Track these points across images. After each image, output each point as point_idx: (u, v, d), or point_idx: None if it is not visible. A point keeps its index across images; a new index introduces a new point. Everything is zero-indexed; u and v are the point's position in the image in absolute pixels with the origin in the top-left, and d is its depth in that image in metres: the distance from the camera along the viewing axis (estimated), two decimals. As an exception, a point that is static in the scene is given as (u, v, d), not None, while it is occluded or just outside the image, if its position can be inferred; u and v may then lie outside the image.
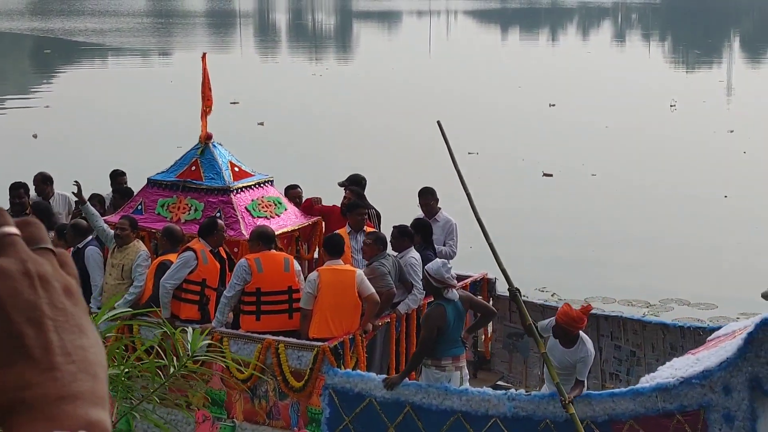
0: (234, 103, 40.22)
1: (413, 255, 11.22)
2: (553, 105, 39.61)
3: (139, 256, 11.57)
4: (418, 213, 12.76)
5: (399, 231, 11.49)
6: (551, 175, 27.01)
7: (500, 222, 22.58)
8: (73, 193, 12.56)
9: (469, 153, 29.66)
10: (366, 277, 10.71)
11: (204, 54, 13.46)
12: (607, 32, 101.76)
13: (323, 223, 12.64)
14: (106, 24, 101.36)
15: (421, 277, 10.87)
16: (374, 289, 10.66)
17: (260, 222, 11.61)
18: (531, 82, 48.82)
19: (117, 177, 13.88)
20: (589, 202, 24.98)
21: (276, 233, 11.43)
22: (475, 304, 10.56)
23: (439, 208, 12.76)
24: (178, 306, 11.13)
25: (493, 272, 12.85)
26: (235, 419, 10.89)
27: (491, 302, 11.94)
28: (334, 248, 10.81)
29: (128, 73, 57.22)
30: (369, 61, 64.78)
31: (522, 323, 9.74)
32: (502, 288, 12.56)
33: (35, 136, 31.53)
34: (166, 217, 11.88)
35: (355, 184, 12.95)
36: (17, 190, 13.49)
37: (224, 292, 10.85)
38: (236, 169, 12.21)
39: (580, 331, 9.83)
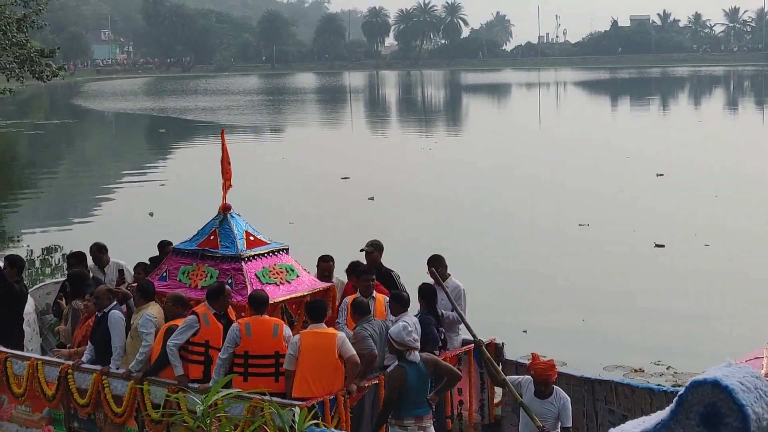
0: (345, 178, 40.65)
1: (407, 320, 11.34)
2: (661, 175, 39.27)
3: (142, 318, 12.10)
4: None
5: (393, 297, 11.94)
6: (663, 246, 26.70)
7: (618, 294, 22.40)
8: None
9: (579, 225, 29.54)
10: (347, 340, 11.18)
11: (222, 130, 14.08)
12: (719, 100, 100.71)
13: (335, 289, 13.07)
14: (218, 102, 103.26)
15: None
16: (355, 352, 11.10)
17: (269, 288, 12.07)
18: (639, 151, 48.52)
19: (164, 247, 14.32)
20: (702, 271, 24.58)
21: (285, 298, 12.13)
22: (440, 367, 10.74)
23: (449, 275, 13.07)
24: (186, 367, 11.60)
25: (502, 337, 13.13)
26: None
27: (501, 366, 11.85)
28: (316, 313, 11.27)
29: (240, 150, 58.18)
30: (478, 134, 64.96)
31: (489, 376, 10.20)
32: (511, 353, 13.03)
33: (151, 214, 32.13)
34: (186, 284, 12.45)
35: (375, 248, 13.52)
36: (70, 259, 14.70)
37: (219, 354, 11.32)
38: (251, 238, 12.68)
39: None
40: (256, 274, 12.25)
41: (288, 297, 12.23)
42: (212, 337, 11.58)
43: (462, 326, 12.39)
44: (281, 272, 12.47)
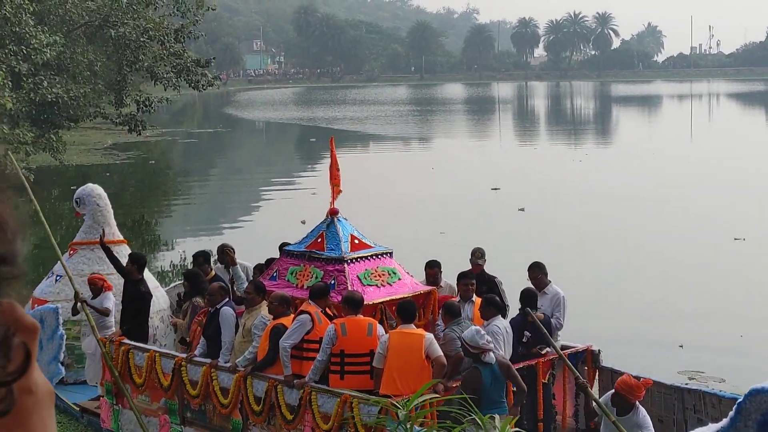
0: (495, 189, 40.51)
1: (497, 323, 11.99)
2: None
3: (258, 319, 12.44)
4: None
5: (485, 301, 12.29)
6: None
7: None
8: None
9: (735, 239, 28.88)
10: (435, 341, 11.49)
11: (332, 138, 14.57)
12: None
13: (436, 293, 13.45)
14: (366, 112, 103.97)
15: (501, 345, 11.82)
16: (442, 353, 11.38)
17: (370, 290, 12.57)
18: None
19: (283, 248, 14.80)
20: None
21: (384, 300, 12.55)
22: (511, 375, 11.21)
23: (549, 281, 13.40)
24: (300, 364, 11.91)
25: (599, 344, 13.09)
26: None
27: (596, 373, 12.61)
28: (406, 314, 11.68)
29: (389, 159, 58.48)
30: (629, 146, 64.12)
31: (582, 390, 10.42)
32: (608, 360, 13.09)
33: (303, 222, 32.43)
34: (293, 283, 12.99)
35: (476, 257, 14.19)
36: (197, 258, 15.37)
37: (318, 355, 11.66)
38: (356, 241, 13.16)
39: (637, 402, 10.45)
40: (357, 276, 12.72)
41: (387, 299, 12.60)
42: None
43: (560, 333, 13.07)
44: (383, 275, 12.95)
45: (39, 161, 45.21)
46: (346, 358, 11.60)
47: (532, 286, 13.13)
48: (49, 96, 42.04)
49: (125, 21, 45.25)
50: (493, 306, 12.19)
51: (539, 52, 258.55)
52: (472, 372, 10.91)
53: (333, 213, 13.39)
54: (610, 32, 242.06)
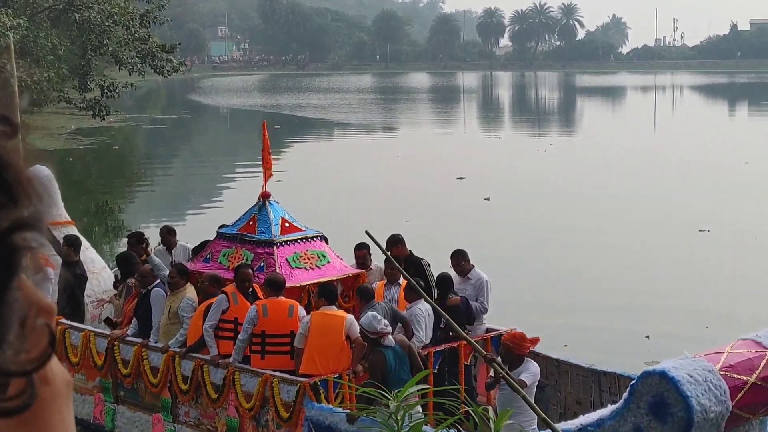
0: (460, 178, 40.50)
1: (420, 307, 12.29)
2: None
3: (183, 301, 12.85)
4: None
5: (408, 286, 12.36)
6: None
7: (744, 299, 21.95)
8: (142, 248, 14.80)
9: (699, 230, 29.02)
10: (356, 322, 11.75)
11: (264, 122, 14.65)
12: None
13: (365, 275, 13.75)
14: (331, 100, 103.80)
15: (422, 328, 12.32)
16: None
17: (298, 272, 12.95)
18: (759, 155, 47.58)
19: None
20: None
21: (311, 282, 12.88)
22: (412, 355, 11.49)
23: (472, 266, 13.56)
24: (217, 343, 12.39)
25: (522, 327, 13.00)
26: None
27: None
28: (328, 295, 12.04)
29: (353, 147, 58.40)
30: (593, 137, 64.32)
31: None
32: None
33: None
34: (225, 265, 13.28)
35: (392, 244, 13.91)
36: (130, 238, 15.56)
37: (239, 335, 12.04)
38: (287, 224, 13.51)
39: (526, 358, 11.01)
40: (286, 259, 13.03)
41: (315, 281, 12.88)
42: (241, 315, 12.24)
43: (485, 316, 13.32)
44: (312, 258, 13.26)
45: None
46: (267, 338, 11.94)
47: (447, 272, 13.32)
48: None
49: (90, 5, 45.05)
50: (414, 291, 12.14)
51: (504, 42, 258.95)
52: (375, 355, 11.17)
53: (265, 196, 13.69)
54: (575, 23, 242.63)
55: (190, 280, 13.19)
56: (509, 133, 70.26)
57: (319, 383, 11.41)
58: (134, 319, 13.46)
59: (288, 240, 13.24)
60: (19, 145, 1.24)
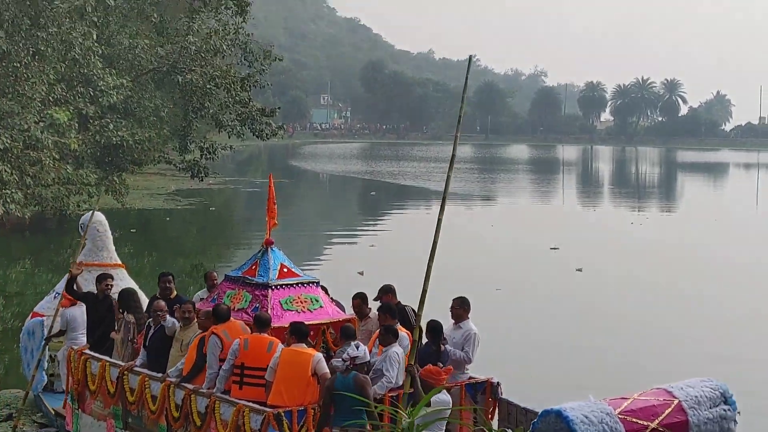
0: (554, 248, 40.34)
1: (396, 350, 12.96)
2: None
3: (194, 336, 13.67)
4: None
5: (384, 329, 13.21)
6: None
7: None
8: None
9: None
10: (323, 360, 12.54)
11: (270, 174, 16.05)
12: None
13: (356, 321, 14.40)
14: (430, 169, 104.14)
15: (394, 369, 12.82)
16: (328, 370, 12.42)
17: (289, 314, 13.69)
18: None
19: (163, 277, 15.97)
20: None
21: (304, 323, 13.16)
22: (365, 393, 11.81)
23: (468, 318, 14.24)
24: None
25: (499, 377, 13.97)
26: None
27: (496, 405, 13.82)
28: (298, 333, 12.67)
29: (448, 215, 58.34)
30: (692, 212, 63.66)
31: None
32: (506, 393, 13.93)
33: (361, 273, 32.41)
34: (228, 305, 14.02)
35: (383, 293, 14.77)
36: (164, 277, 16.04)
37: (223, 365, 12.91)
38: (285, 269, 14.31)
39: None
40: (279, 301, 13.89)
41: (306, 323, 13.38)
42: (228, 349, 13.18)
43: (468, 366, 13.90)
44: (305, 301, 14.13)
45: (101, 203, 45.63)
46: (245, 370, 12.78)
47: (437, 320, 13.82)
48: (115, 139, 42.58)
49: (193, 68, 45.86)
50: (391, 334, 13.13)
51: (606, 116, 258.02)
52: (330, 378, 12.01)
53: (268, 243, 14.46)
54: (678, 99, 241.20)
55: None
56: (607, 206, 69.90)
57: (283, 414, 12.12)
58: (143, 349, 14.35)
59: (284, 284, 14.10)
60: None
